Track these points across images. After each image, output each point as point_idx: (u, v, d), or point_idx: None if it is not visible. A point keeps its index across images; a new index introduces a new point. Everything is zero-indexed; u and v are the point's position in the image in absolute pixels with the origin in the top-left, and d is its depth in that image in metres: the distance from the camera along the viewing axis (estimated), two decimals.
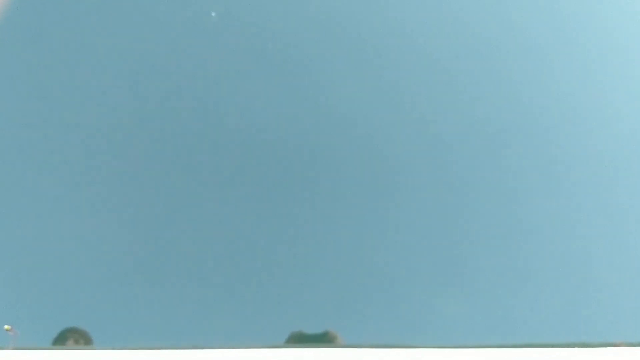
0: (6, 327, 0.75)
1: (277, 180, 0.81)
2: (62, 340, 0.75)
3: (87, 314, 0.77)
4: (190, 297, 0.77)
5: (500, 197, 0.80)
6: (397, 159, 0.82)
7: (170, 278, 0.77)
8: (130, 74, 0.86)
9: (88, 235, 0.78)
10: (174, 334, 0.76)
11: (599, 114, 0.85)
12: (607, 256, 0.78)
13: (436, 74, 0.86)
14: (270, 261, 0.79)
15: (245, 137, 0.82)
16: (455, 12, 0.88)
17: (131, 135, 0.83)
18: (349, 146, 0.82)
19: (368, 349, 0.78)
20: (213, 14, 0.89)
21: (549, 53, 0.87)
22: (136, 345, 0.75)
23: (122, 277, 0.77)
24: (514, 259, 0.77)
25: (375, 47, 0.87)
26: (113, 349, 0.74)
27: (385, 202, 0.80)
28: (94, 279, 0.77)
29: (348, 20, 0.88)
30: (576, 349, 0.74)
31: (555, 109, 0.85)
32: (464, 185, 0.80)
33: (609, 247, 0.78)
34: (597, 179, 0.81)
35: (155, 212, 0.79)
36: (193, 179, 0.81)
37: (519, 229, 0.79)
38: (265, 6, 0.89)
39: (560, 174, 0.81)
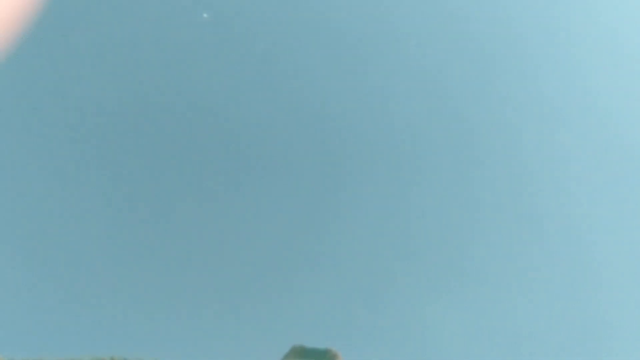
0: None
1: (283, 191, 0.79)
2: None
3: (79, 326, 0.74)
4: (187, 313, 0.75)
5: (505, 203, 0.78)
6: (396, 167, 0.80)
7: (166, 289, 0.75)
8: (132, 77, 0.84)
9: (85, 243, 0.76)
10: (169, 349, 0.73)
11: (600, 114, 0.83)
12: (616, 265, 0.76)
13: (440, 73, 0.84)
14: (269, 274, 0.77)
15: (253, 151, 0.80)
16: (459, 14, 0.87)
17: (136, 139, 0.80)
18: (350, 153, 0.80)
19: None
20: (205, 15, 0.87)
21: (551, 54, 0.86)
22: (129, 357, 0.73)
23: (116, 290, 0.75)
24: (526, 273, 0.76)
25: (378, 50, 0.85)
26: None
27: (391, 207, 0.79)
28: (88, 292, 0.75)
29: (357, 21, 0.86)
30: None
31: (557, 110, 0.83)
32: (467, 194, 0.79)
33: (616, 256, 0.76)
34: (600, 181, 0.80)
35: (156, 220, 0.77)
36: (195, 186, 0.79)
37: (529, 239, 0.77)
38: (265, 8, 0.87)
39: (564, 177, 0.80)
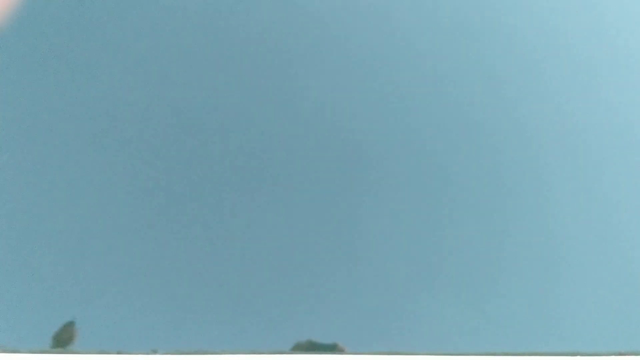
0: None
1: (285, 185, 0.80)
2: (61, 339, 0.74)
3: (86, 318, 0.76)
4: (194, 301, 0.77)
5: (502, 200, 0.79)
6: (396, 166, 0.81)
7: (173, 280, 0.77)
8: (133, 75, 0.85)
9: (88, 236, 0.78)
10: (176, 339, 0.75)
11: (598, 114, 0.84)
12: (613, 261, 0.77)
13: (432, 75, 0.85)
14: (275, 266, 0.79)
15: (249, 145, 0.82)
16: (453, 14, 0.88)
17: (136, 136, 0.82)
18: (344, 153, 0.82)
19: (373, 356, 0.77)
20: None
21: (548, 53, 0.87)
22: (137, 350, 0.75)
23: (124, 278, 0.76)
24: (519, 265, 0.77)
25: (369, 49, 0.86)
26: (118, 353, 0.74)
27: (388, 205, 0.80)
28: (93, 282, 0.76)
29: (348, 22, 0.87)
30: (579, 357, 0.73)
31: (554, 109, 0.84)
32: (464, 190, 0.80)
33: (613, 251, 0.78)
34: (599, 180, 0.81)
35: (158, 212, 0.78)
36: (198, 179, 0.80)
37: (526, 234, 0.78)
38: (260, 8, 0.88)
39: (561, 176, 0.81)
